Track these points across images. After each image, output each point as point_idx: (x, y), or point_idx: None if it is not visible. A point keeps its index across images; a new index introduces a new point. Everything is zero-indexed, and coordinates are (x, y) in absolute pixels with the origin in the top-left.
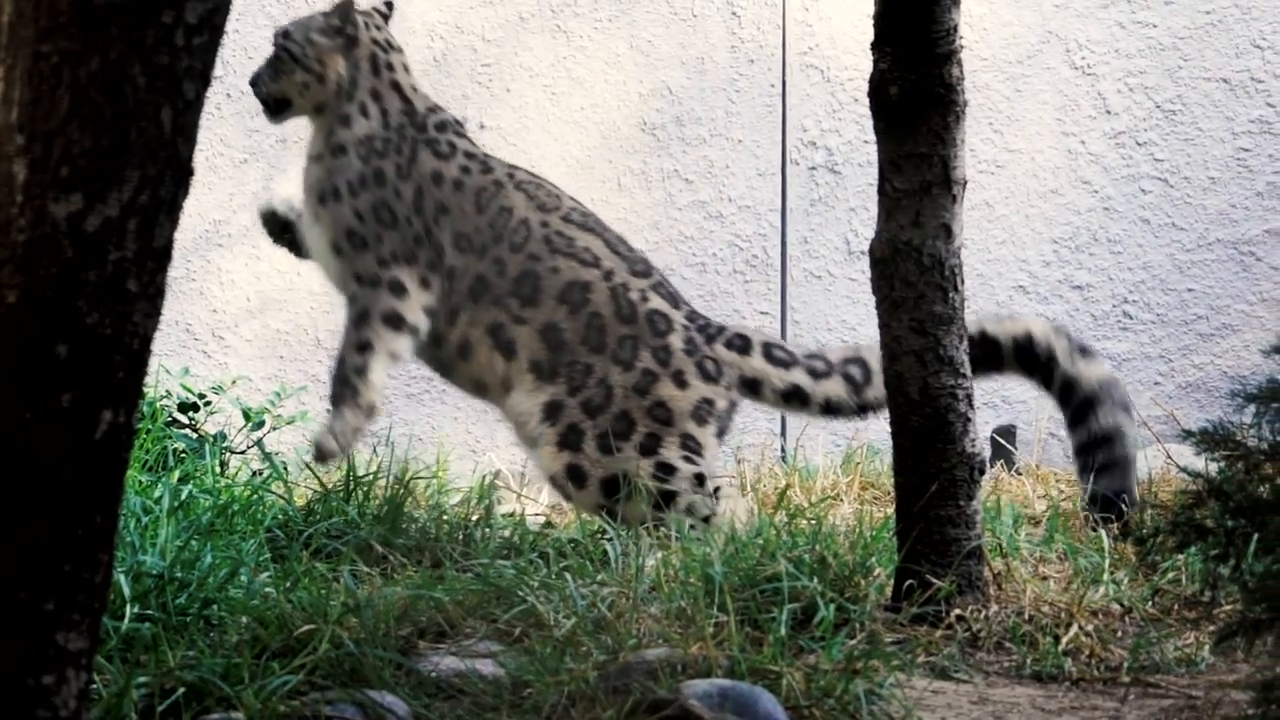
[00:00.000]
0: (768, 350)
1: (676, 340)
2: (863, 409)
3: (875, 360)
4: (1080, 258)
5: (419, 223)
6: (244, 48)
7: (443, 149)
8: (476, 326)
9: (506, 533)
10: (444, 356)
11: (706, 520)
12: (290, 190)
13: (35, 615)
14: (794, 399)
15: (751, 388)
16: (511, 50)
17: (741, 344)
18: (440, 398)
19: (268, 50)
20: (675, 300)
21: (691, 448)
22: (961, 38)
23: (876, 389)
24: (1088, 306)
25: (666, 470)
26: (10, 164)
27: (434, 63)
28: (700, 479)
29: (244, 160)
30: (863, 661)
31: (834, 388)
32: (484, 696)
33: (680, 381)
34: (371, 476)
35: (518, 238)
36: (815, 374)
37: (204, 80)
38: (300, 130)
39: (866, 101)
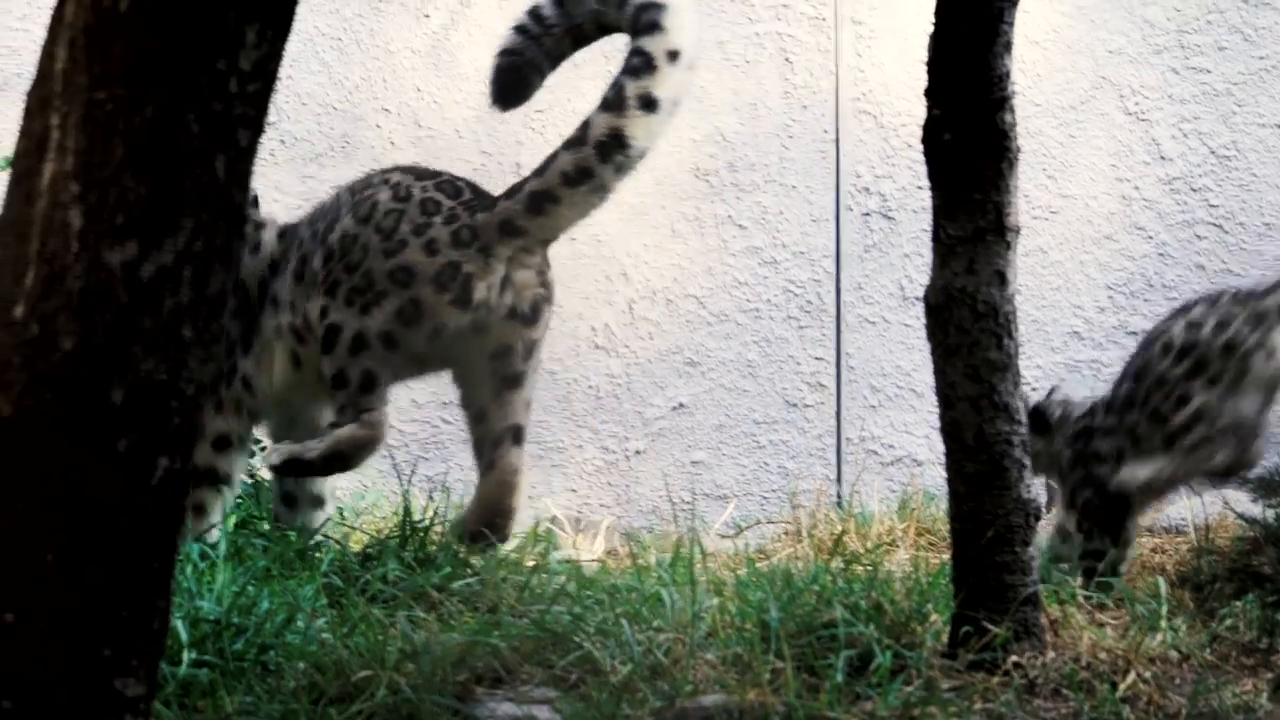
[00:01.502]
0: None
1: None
2: None
3: None
4: (1135, 304)
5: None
6: (297, 94)
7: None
8: None
9: (562, 578)
10: None
11: None
12: None
13: (94, 661)
14: None
15: None
16: (564, 96)
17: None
18: None
19: (323, 97)
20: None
21: None
22: (1014, 84)
23: None
24: None
25: None
26: (66, 212)
27: (487, 109)
28: None
29: (298, 206)
30: (920, 708)
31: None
32: None
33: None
34: (428, 522)
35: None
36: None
37: (257, 127)
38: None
39: (920, 147)
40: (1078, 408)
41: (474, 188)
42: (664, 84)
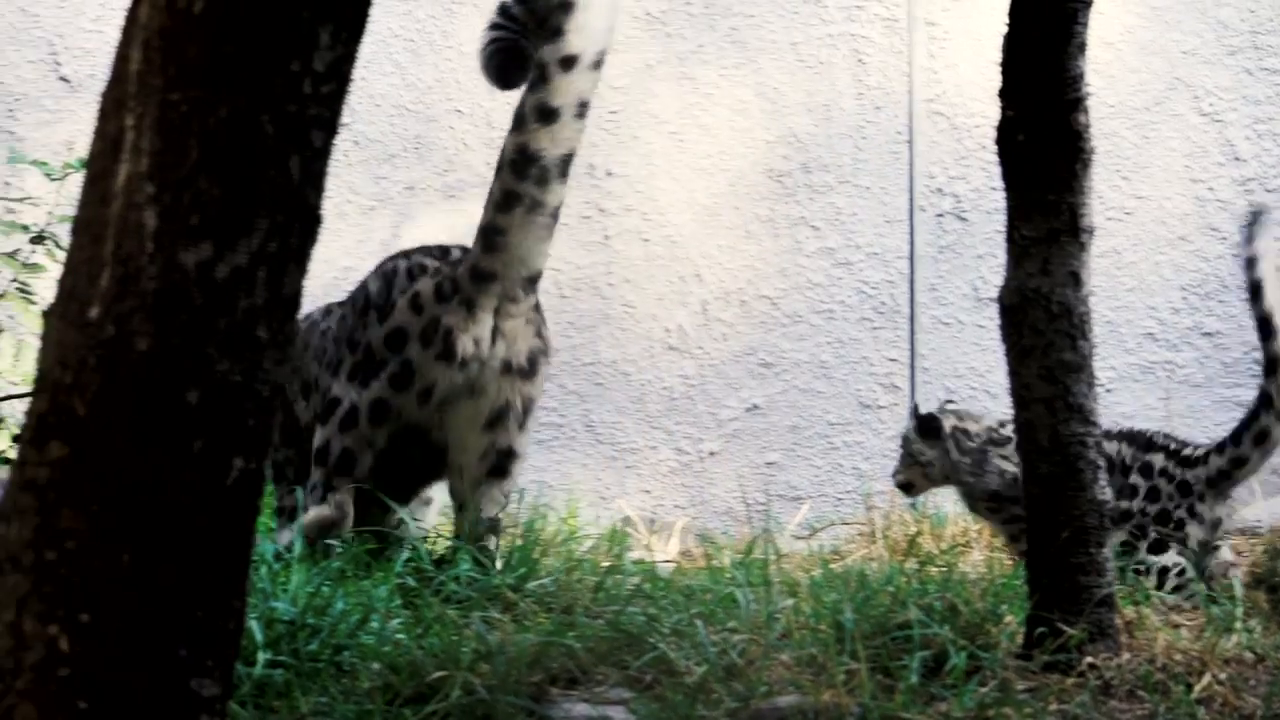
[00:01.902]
0: None
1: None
2: None
3: None
4: (1210, 304)
5: None
6: (370, 95)
7: None
8: None
9: (637, 579)
10: None
11: None
12: None
13: (169, 662)
14: None
15: None
16: (638, 98)
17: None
18: (570, 444)
19: (396, 98)
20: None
21: None
22: (1088, 85)
23: None
24: (1218, 354)
25: None
26: (140, 213)
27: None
28: None
29: (371, 207)
30: (995, 709)
31: None
32: None
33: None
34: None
35: None
36: None
37: (332, 128)
38: (428, 177)
39: (993, 148)
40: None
41: (465, 249)
42: (558, 92)
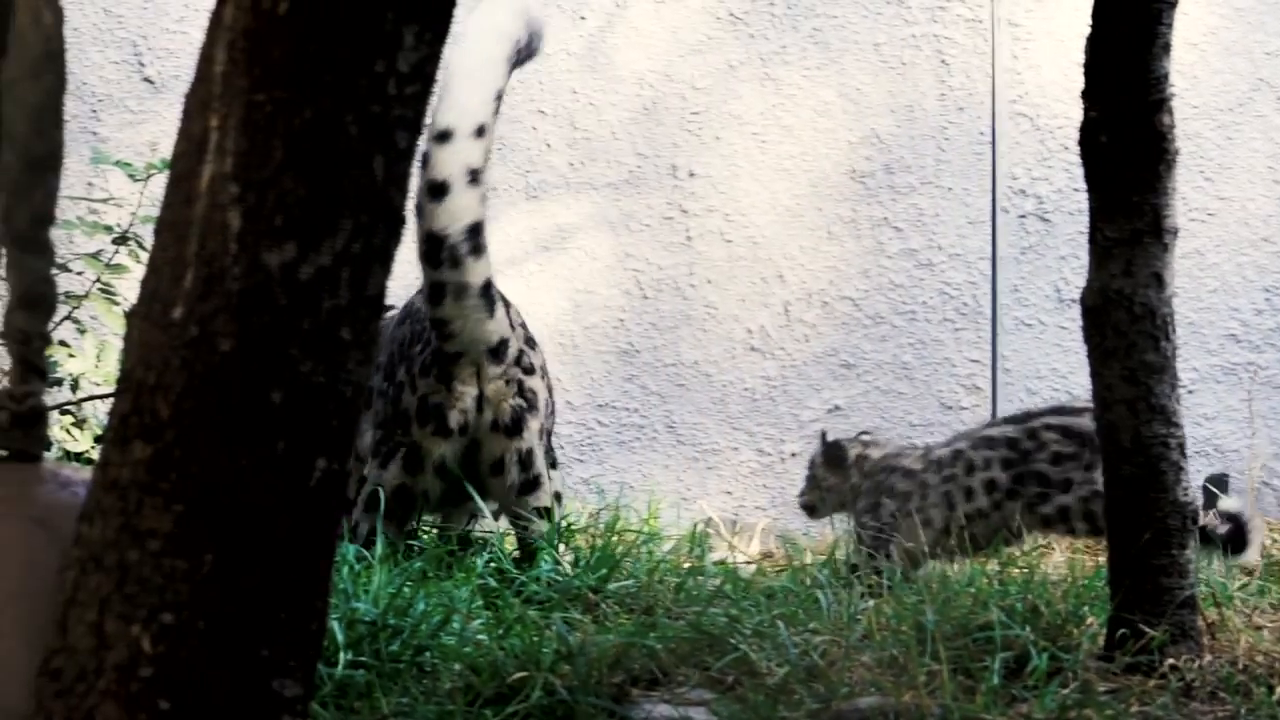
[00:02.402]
0: None
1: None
2: None
3: None
4: None
5: None
6: None
7: None
8: None
9: (718, 580)
10: None
11: None
12: None
13: (251, 662)
14: None
15: None
16: (721, 98)
17: None
18: (651, 445)
19: None
20: None
21: None
22: (1172, 86)
23: None
24: None
25: None
26: (224, 213)
27: (644, 111)
28: None
29: None
30: (1076, 711)
31: None
32: None
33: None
34: (583, 524)
35: None
36: None
37: (416, 129)
38: (510, 177)
39: (1076, 149)
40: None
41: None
42: (441, 165)
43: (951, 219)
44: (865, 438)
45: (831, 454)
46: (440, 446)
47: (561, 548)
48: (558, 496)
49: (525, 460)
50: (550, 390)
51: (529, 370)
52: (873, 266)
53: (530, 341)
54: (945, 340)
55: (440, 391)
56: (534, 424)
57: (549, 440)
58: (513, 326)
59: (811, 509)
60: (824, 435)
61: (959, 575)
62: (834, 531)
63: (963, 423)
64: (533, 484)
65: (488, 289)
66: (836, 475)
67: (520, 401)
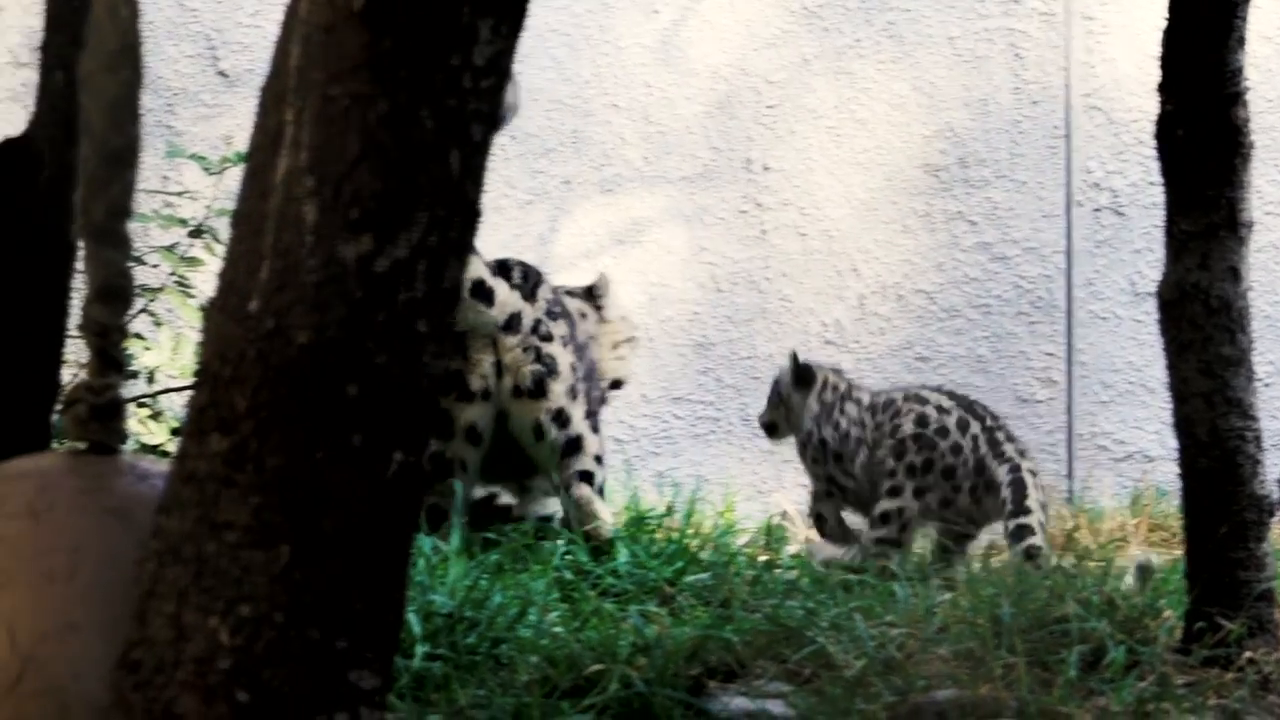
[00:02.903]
0: None
1: None
2: None
3: None
4: None
5: None
6: (528, 89)
7: None
8: None
9: (794, 573)
10: None
11: None
12: None
13: (329, 654)
14: None
15: None
16: (795, 92)
17: None
18: (726, 439)
19: (553, 93)
20: None
21: None
22: (1246, 79)
23: None
24: None
25: None
26: (300, 206)
27: (718, 105)
28: None
29: (529, 201)
30: (1153, 704)
31: None
32: None
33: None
34: (659, 517)
35: None
36: None
37: (491, 122)
38: (584, 171)
39: (1151, 143)
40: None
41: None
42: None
43: (1026, 213)
44: (835, 369)
45: (801, 374)
46: (466, 411)
47: (600, 506)
48: (598, 459)
49: (560, 418)
50: (583, 359)
51: (547, 338)
52: (947, 260)
53: (554, 314)
54: (1020, 334)
55: (457, 360)
56: (557, 386)
57: (591, 408)
58: (532, 300)
59: (772, 428)
60: (795, 355)
61: (1035, 569)
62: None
63: (1039, 416)
64: (575, 444)
65: (479, 286)
66: (800, 395)
67: (539, 367)
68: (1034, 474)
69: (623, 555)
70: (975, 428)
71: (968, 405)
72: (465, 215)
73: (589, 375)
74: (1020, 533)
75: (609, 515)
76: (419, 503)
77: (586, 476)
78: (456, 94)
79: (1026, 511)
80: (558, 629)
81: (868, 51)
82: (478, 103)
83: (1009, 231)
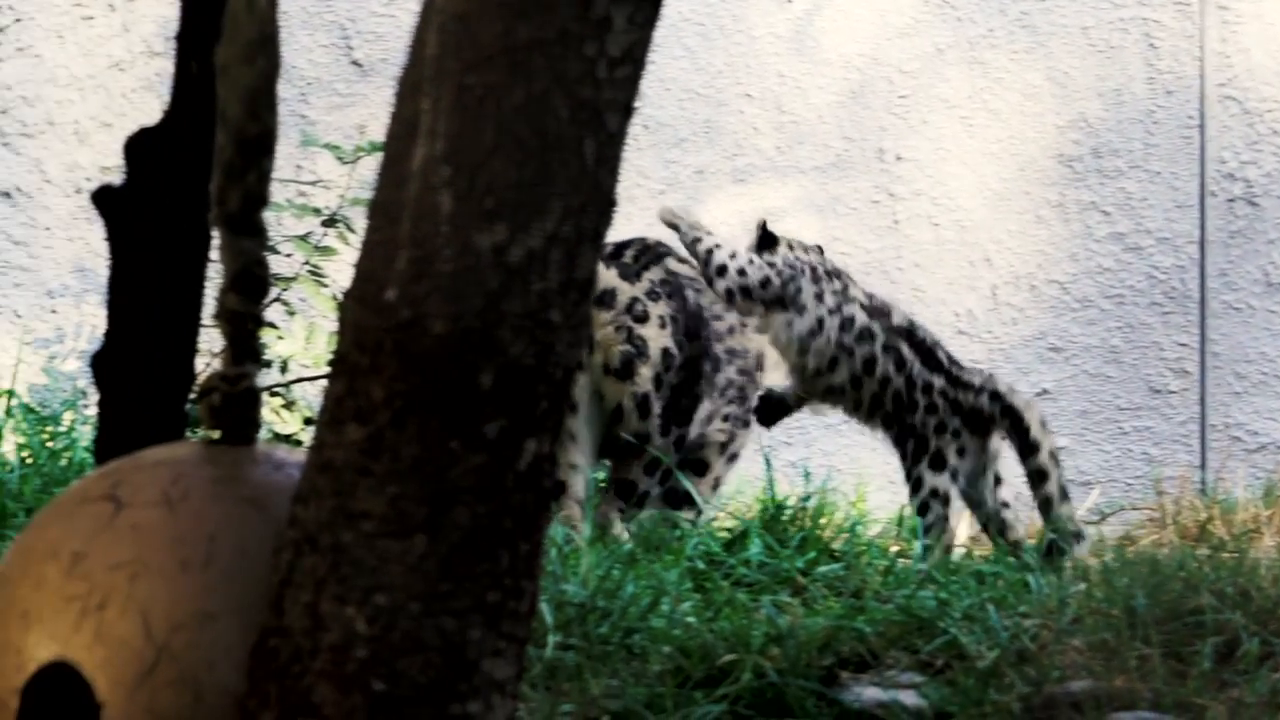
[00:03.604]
0: None
1: None
2: None
3: None
4: None
5: None
6: (661, 79)
7: None
8: None
9: (926, 564)
10: None
11: None
12: None
13: (463, 643)
14: None
15: None
16: (928, 82)
17: None
18: (859, 429)
19: (686, 82)
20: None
21: None
22: None
23: None
24: None
25: None
26: (436, 195)
27: (851, 94)
28: None
29: (662, 191)
30: None
31: None
32: None
33: None
34: (791, 507)
35: None
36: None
37: (626, 112)
38: (717, 161)
39: None
40: None
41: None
42: None
43: (1159, 203)
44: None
45: (764, 240)
46: None
47: (619, 527)
48: (651, 467)
49: (642, 407)
50: (682, 349)
51: (641, 319)
52: (1080, 250)
53: (655, 294)
54: (1153, 324)
55: None
56: (645, 371)
57: (687, 405)
58: (635, 279)
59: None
60: (763, 224)
61: (1169, 559)
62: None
63: (1171, 407)
64: (643, 439)
65: None
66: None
67: (628, 347)
68: None
69: (755, 546)
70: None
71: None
72: (600, 205)
73: (715, 366)
74: None
75: (622, 532)
76: (551, 493)
77: (625, 488)
78: (592, 83)
79: None
80: (690, 619)
81: (1001, 41)
82: (613, 92)
83: (1142, 222)
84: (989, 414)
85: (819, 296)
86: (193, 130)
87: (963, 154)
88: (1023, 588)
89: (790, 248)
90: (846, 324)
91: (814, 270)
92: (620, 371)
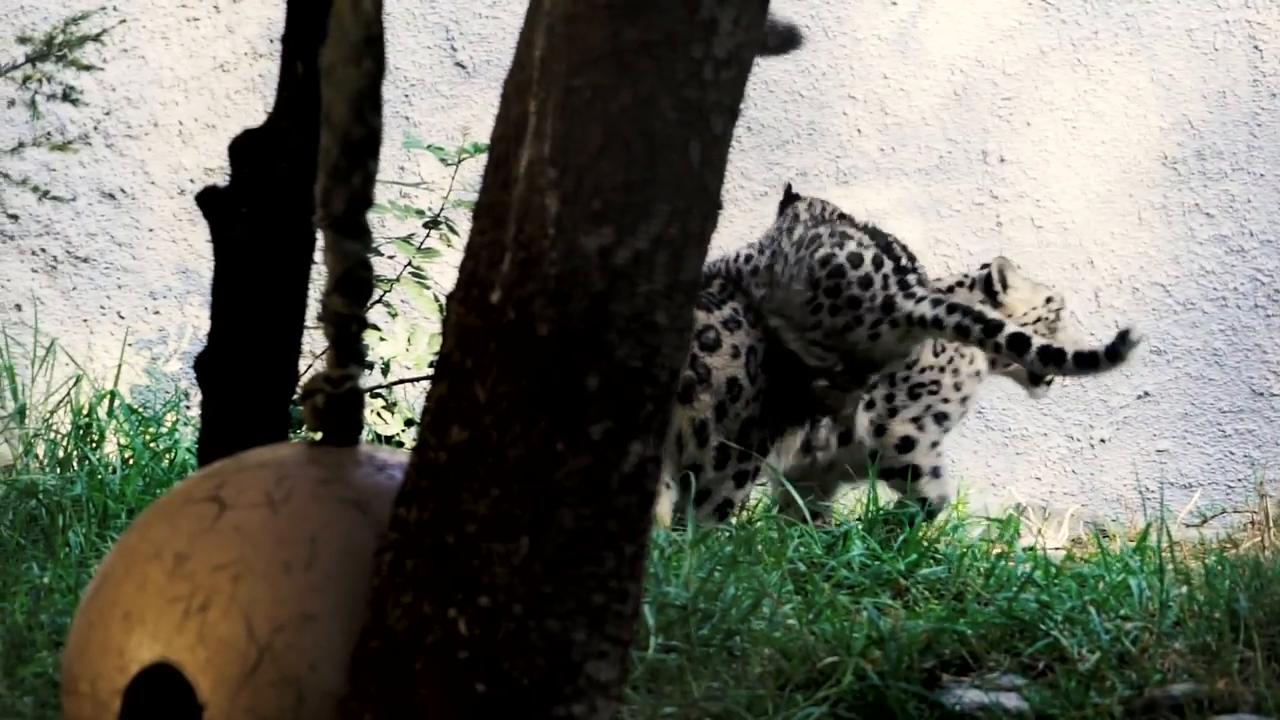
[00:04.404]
0: None
1: None
2: None
3: None
4: None
5: None
6: (764, 81)
7: None
8: None
9: (1028, 566)
10: None
11: None
12: None
13: (566, 645)
14: None
15: None
16: (1032, 84)
17: None
18: (959, 431)
19: (790, 84)
20: None
21: None
22: None
23: None
24: None
25: None
26: (543, 197)
27: (954, 96)
28: None
29: (764, 193)
30: None
31: None
32: None
33: None
34: (890, 510)
35: None
36: None
37: (732, 114)
38: (820, 163)
39: None
40: None
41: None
42: None
43: (1264, 205)
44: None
45: (787, 199)
46: None
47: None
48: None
49: (700, 434)
50: (753, 380)
51: (710, 346)
52: (1183, 253)
53: (734, 324)
54: (1256, 326)
55: None
56: (705, 397)
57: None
58: (712, 309)
59: None
60: (789, 187)
61: (1272, 562)
62: (1144, 517)
63: (1274, 410)
64: (696, 469)
65: None
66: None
67: (691, 373)
68: None
69: (857, 548)
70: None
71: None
72: (705, 207)
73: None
74: None
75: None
76: (655, 494)
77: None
78: (697, 85)
79: None
80: (791, 621)
81: (1105, 43)
82: (719, 94)
83: (1246, 224)
84: None
85: None
86: (297, 132)
87: (1066, 156)
88: (1124, 590)
89: (810, 206)
90: None
91: None
92: (681, 396)
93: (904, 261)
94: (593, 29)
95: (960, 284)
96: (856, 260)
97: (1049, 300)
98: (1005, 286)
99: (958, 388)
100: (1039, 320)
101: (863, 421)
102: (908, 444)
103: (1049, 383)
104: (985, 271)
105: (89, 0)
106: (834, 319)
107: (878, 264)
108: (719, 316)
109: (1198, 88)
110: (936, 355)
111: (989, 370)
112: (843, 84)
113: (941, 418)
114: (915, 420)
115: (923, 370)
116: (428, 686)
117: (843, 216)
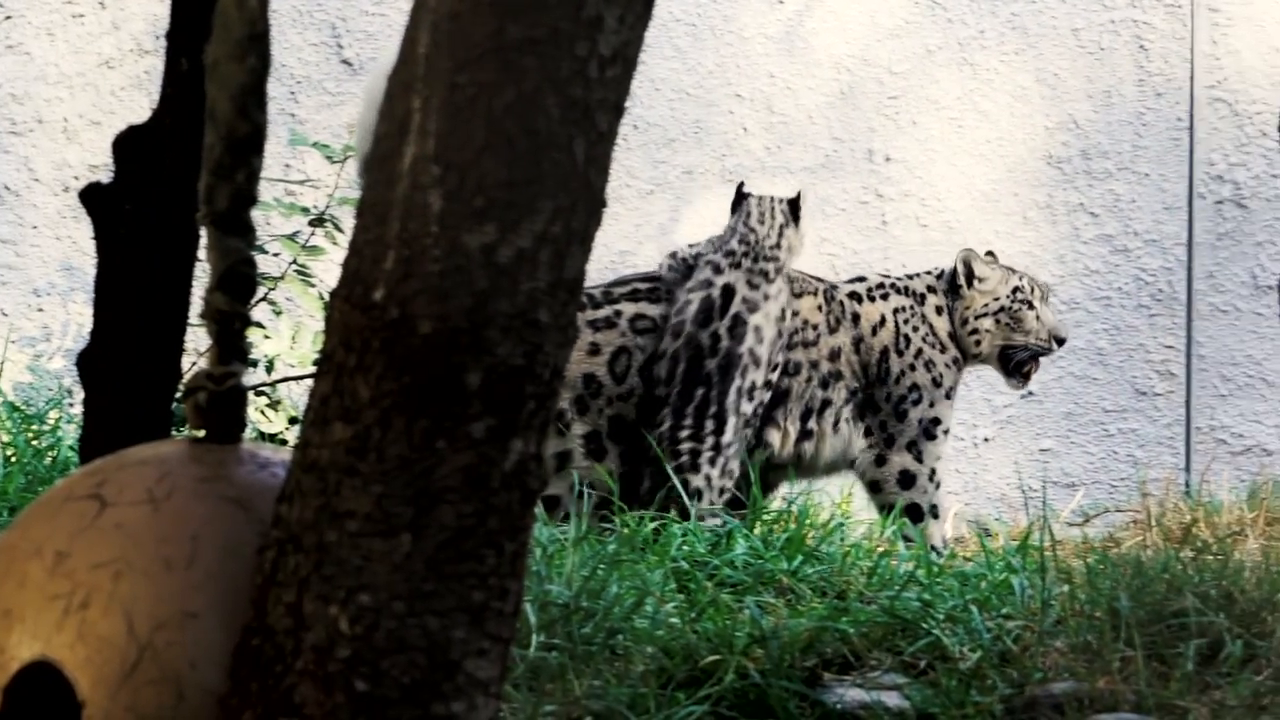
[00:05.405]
0: None
1: None
2: None
3: None
4: None
5: None
6: (651, 79)
7: None
8: None
9: (911, 565)
10: None
11: None
12: None
13: (447, 643)
14: None
15: None
16: (918, 83)
17: None
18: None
19: (676, 82)
20: None
21: None
22: None
23: None
24: None
25: None
26: (426, 194)
27: (840, 95)
28: None
29: (650, 191)
30: (1270, 698)
31: None
32: None
33: None
34: (776, 509)
35: None
36: None
37: (617, 112)
38: (706, 161)
39: (1275, 135)
40: None
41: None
42: None
43: (1148, 205)
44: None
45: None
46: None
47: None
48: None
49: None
50: (621, 381)
51: None
52: (1068, 252)
53: (603, 326)
54: (1140, 326)
55: None
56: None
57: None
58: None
59: None
60: (740, 186)
61: (1153, 561)
62: (1026, 516)
63: (1157, 409)
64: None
65: None
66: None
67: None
68: None
69: (740, 546)
70: None
71: None
72: (589, 205)
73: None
74: None
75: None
76: (536, 492)
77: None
78: (582, 83)
79: None
80: (674, 620)
81: (991, 43)
82: (603, 92)
83: (1130, 224)
84: None
85: None
86: (182, 128)
87: (951, 155)
88: (1006, 589)
89: (759, 201)
90: None
91: None
92: None
93: None
94: (477, 26)
95: (917, 275)
96: None
97: (1016, 290)
98: (971, 280)
99: (937, 383)
100: (1000, 310)
101: (861, 454)
102: (908, 479)
103: (1027, 375)
104: (952, 267)
105: None
106: None
107: None
108: (588, 316)
109: (1083, 87)
110: (901, 354)
111: (965, 362)
112: (729, 82)
113: (934, 424)
114: (912, 447)
115: (897, 380)
116: (308, 684)
117: (793, 205)
